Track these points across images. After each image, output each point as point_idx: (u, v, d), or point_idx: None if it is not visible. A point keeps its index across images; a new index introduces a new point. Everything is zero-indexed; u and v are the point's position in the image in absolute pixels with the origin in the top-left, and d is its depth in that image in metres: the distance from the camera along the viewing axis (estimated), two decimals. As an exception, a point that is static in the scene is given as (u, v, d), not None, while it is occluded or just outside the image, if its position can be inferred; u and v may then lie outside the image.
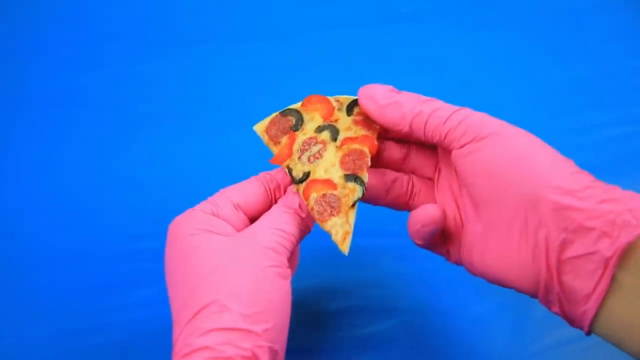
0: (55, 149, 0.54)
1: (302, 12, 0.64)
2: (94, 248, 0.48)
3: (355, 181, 0.33)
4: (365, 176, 0.34)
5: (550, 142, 0.31)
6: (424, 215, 0.33)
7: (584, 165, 0.27)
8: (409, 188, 0.36)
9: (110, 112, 0.56)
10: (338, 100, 0.36)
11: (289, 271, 0.32)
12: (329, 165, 0.34)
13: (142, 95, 0.58)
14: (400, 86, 0.57)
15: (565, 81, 0.59)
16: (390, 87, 0.34)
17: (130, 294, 0.46)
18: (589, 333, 0.29)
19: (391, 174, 0.36)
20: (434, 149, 0.37)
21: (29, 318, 0.45)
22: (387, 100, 0.33)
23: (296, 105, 0.36)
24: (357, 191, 0.33)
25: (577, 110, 0.57)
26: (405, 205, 0.37)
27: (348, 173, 0.34)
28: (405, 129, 0.33)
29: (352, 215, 0.33)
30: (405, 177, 0.36)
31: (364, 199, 0.35)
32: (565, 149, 0.52)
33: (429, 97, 0.33)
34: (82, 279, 0.46)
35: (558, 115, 0.56)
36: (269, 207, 0.34)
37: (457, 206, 0.35)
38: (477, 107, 0.32)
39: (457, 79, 0.59)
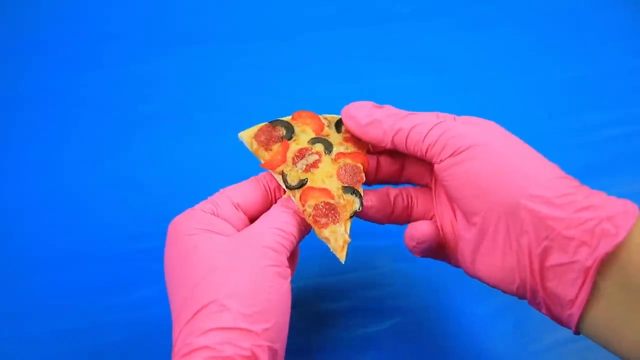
0: (55, 149, 0.54)
1: (302, 12, 0.64)
2: (94, 248, 0.48)
3: (353, 194, 0.34)
4: (362, 190, 0.35)
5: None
6: (419, 232, 0.34)
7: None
8: (408, 202, 0.36)
9: (109, 112, 0.56)
10: (326, 118, 0.37)
11: (288, 271, 0.32)
12: (325, 176, 0.35)
13: (141, 95, 0.58)
14: (400, 86, 0.58)
15: (565, 81, 0.59)
16: (372, 103, 0.34)
17: (130, 294, 0.46)
18: (577, 333, 0.29)
19: (393, 192, 0.36)
20: None
21: (29, 318, 0.45)
22: (367, 119, 0.34)
23: (286, 118, 0.36)
24: (355, 203, 0.34)
25: (577, 110, 0.57)
26: (407, 219, 0.37)
27: (346, 185, 0.34)
28: (388, 145, 0.33)
29: (349, 226, 0.34)
30: (403, 192, 0.36)
31: (367, 218, 0.36)
32: (565, 149, 0.52)
33: (409, 112, 0.33)
34: (82, 279, 0.46)
35: (558, 115, 0.56)
36: (269, 207, 0.35)
37: (454, 212, 0.35)
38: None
39: (457, 79, 0.59)
